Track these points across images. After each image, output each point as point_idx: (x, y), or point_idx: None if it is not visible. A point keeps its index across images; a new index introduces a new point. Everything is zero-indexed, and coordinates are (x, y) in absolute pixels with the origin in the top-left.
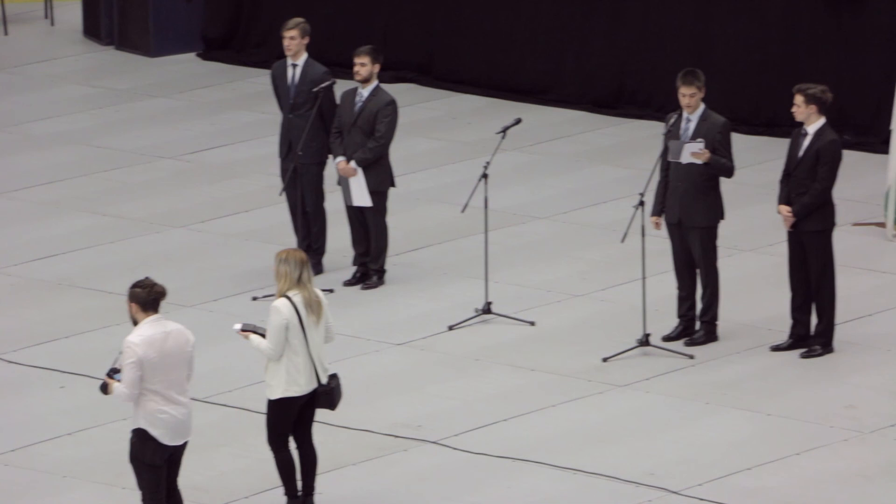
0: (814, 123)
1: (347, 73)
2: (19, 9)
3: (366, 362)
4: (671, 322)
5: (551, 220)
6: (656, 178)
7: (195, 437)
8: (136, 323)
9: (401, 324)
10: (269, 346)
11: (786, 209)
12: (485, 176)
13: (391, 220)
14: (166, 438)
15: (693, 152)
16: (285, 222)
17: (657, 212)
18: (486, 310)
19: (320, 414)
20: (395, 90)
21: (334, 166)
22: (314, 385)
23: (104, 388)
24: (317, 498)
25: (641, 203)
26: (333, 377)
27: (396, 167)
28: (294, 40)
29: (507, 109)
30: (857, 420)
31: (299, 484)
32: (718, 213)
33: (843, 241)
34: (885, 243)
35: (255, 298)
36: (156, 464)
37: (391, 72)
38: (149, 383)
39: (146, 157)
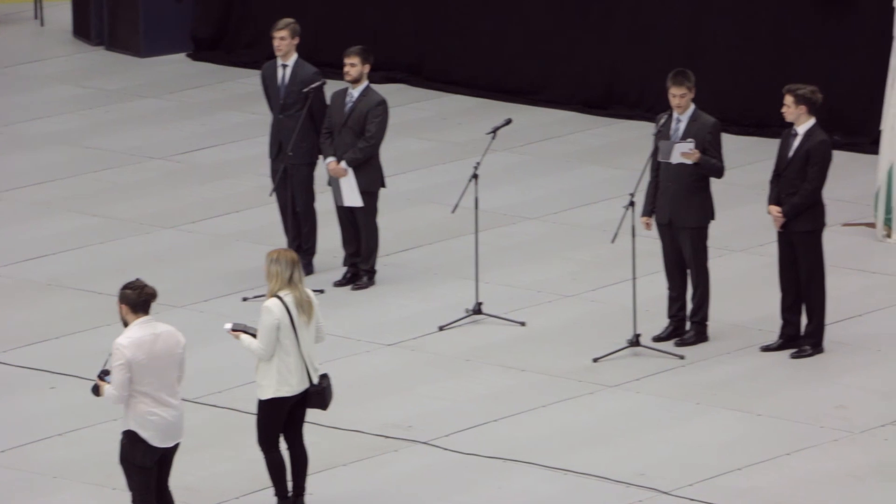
0: (804, 124)
1: (338, 73)
2: (8, 9)
3: (356, 363)
4: (661, 322)
5: (542, 220)
6: (646, 178)
7: (186, 438)
8: (126, 324)
9: (391, 324)
10: (259, 345)
11: (776, 209)
12: (475, 176)
13: (381, 220)
14: (156, 440)
15: (683, 152)
16: (276, 223)
17: (647, 212)
18: (477, 310)
19: (311, 414)
20: (385, 91)
21: (325, 167)
22: (305, 385)
23: (95, 390)
24: (307, 498)
25: (632, 203)
26: (324, 377)
27: (387, 168)
28: (284, 41)
29: (497, 110)
30: (847, 420)
31: (290, 485)
32: (709, 214)
33: (833, 242)
34: (875, 243)
35: (245, 299)
36: (146, 465)
37: (381, 72)
38: (138, 385)
39: (136, 158)
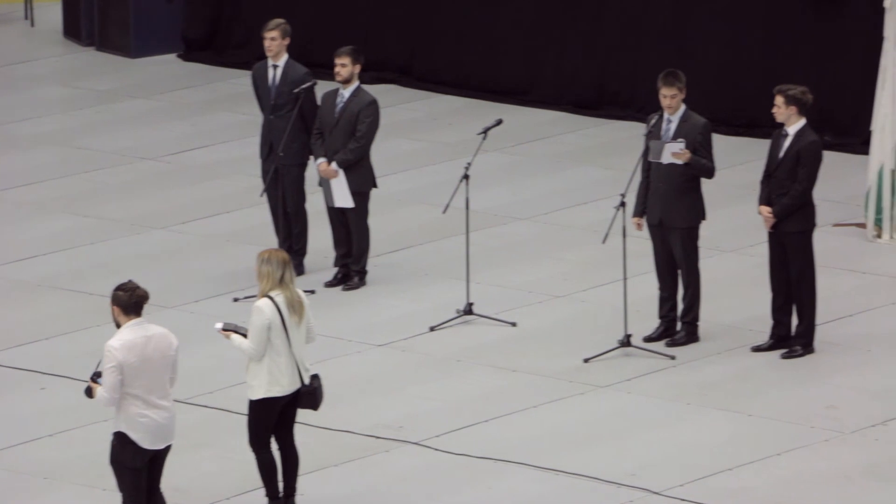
0: (794, 124)
1: (328, 74)
2: None
3: (347, 363)
4: (652, 323)
5: (533, 220)
6: (637, 178)
7: (176, 439)
8: (119, 326)
9: (382, 325)
10: (250, 345)
11: (766, 210)
12: (466, 177)
13: (372, 221)
14: (146, 442)
15: (674, 153)
16: (266, 223)
17: (639, 212)
18: (468, 311)
19: (301, 415)
20: (376, 91)
21: (315, 167)
22: (297, 385)
23: (88, 392)
24: (298, 499)
25: (622, 204)
26: (315, 378)
27: (377, 168)
28: (275, 41)
29: (488, 110)
30: (837, 420)
31: (281, 485)
32: (700, 214)
33: (824, 242)
34: (866, 244)
35: (236, 300)
36: (136, 467)
37: (372, 73)
38: (129, 387)
39: (127, 159)
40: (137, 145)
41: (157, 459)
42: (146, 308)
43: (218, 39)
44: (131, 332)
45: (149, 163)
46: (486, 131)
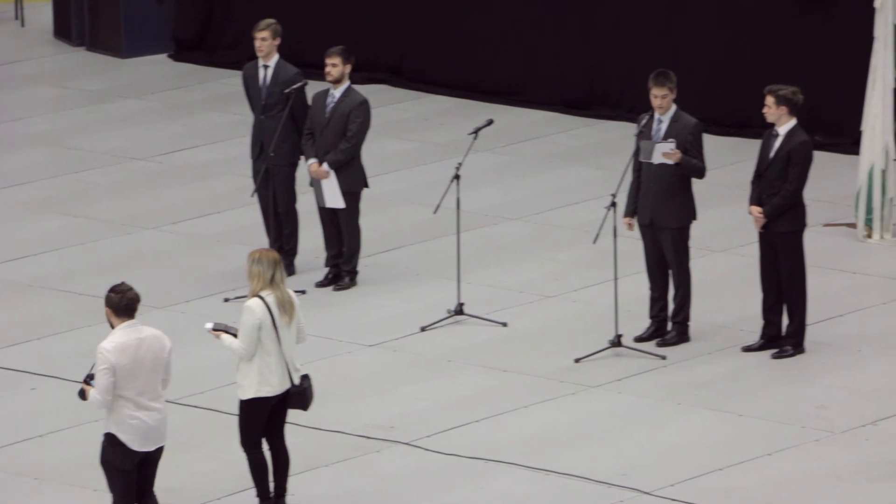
0: (785, 124)
1: (319, 74)
2: None
3: (338, 363)
4: (643, 323)
5: (523, 221)
6: (628, 178)
7: (168, 440)
8: (113, 327)
9: (373, 325)
10: (241, 345)
11: (757, 210)
12: (457, 177)
13: (363, 221)
14: (135, 444)
15: (664, 153)
16: (257, 223)
17: (630, 212)
18: (459, 311)
19: (292, 415)
20: (366, 91)
21: (306, 168)
22: (287, 385)
23: (82, 395)
24: (289, 499)
25: (613, 204)
26: (305, 378)
27: (368, 169)
28: (265, 41)
29: (478, 110)
30: (828, 420)
31: (272, 485)
32: (690, 214)
33: (815, 242)
34: (856, 244)
35: (227, 300)
36: (125, 468)
37: (363, 73)
38: (121, 389)
39: (117, 159)
40: (128, 145)
41: (149, 461)
42: (139, 308)
43: (208, 40)
44: (124, 334)
45: (140, 163)
46: (476, 131)
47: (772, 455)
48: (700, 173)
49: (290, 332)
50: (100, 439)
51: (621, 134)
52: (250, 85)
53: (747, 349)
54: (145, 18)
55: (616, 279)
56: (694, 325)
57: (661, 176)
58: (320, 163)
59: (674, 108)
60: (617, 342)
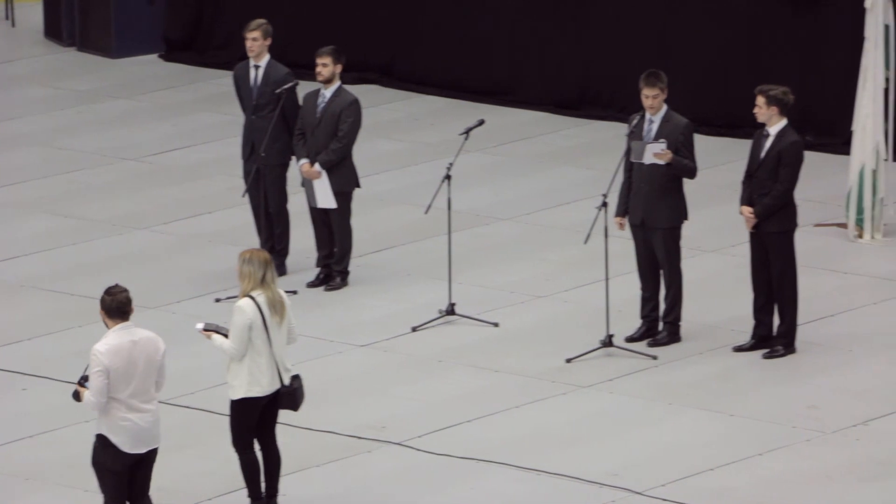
0: (775, 125)
1: (310, 74)
2: None
3: (329, 364)
4: (634, 323)
5: (515, 221)
6: (619, 178)
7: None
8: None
9: (364, 325)
10: (231, 345)
11: (748, 210)
12: (448, 177)
13: (355, 221)
14: (126, 446)
15: (655, 153)
16: (248, 224)
17: (621, 212)
18: (450, 311)
19: (284, 415)
20: (357, 91)
21: (297, 168)
22: (276, 386)
23: (76, 396)
24: (280, 499)
25: (604, 204)
26: (296, 378)
27: (359, 169)
28: (256, 41)
29: (469, 111)
30: (819, 420)
31: (263, 486)
32: (682, 214)
33: (805, 242)
34: (847, 244)
35: (218, 300)
36: (116, 470)
37: (354, 73)
38: (114, 392)
39: (108, 159)
40: (119, 146)
41: (142, 464)
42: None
43: (199, 40)
44: (117, 336)
45: (130, 163)
46: (468, 132)
47: (763, 455)
48: (691, 173)
49: (280, 332)
50: (91, 440)
51: (612, 134)
52: (241, 85)
53: (738, 349)
54: (136, 19)
55: (607, 279)
56: (685, 325)
57: (653, 176)
58: (312, 163)
59: (665, 108)
60: (608, 342)
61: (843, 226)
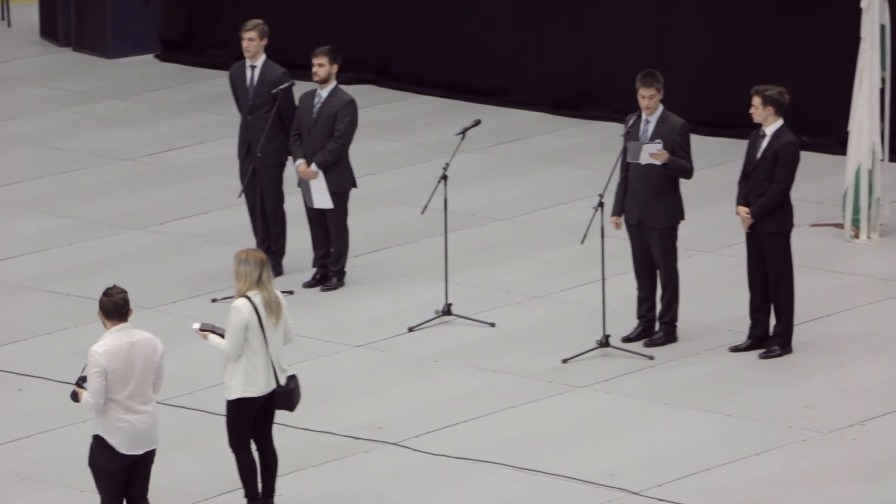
0: (772, 125)
1: (306, 74)
2: None
3: (326, 364)
4: (631, 323)
5: (511, 221)
6: (616, 178)
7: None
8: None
9: (361, 325)
10: (228, 345)
11: (744, 210)
12: (444, 177)
13: (351, 221)
14: (123, 447)
15: (652, 153)
16: (245, 224)
17: (617, 211)
18: (447, 311)
19: (280, 416)
20: (353, 91)
21: (294, 168)
22: (273, 386)
23: (74, 397)
24: (277, 500)
25: (601, 204)
26: (292, 378)
27: (356, 169)
28: (253, 42)
29: (466, 111)
30: (816, 420)
31: (260, 486)
32: (678, 214)
33: (802, 242)
34: (843, 244)
35: (214, 300)
36: (112, 471)
37: (350, 73)
38: (111, 393)
39: (104, 159)
40: (115, 146)
41: (139, 465)
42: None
43: (195, 40)
44: (115, 337)
45: (126, 163)
46: (464, 132)
47: (759, 455)
48: (687, 174)
49: (276, 332)
50: (87, 440)
51: (608, 134)
52: (237, 85)
53: (735, 349)
54: (132, 19)
55: (604, 279)
56: (681, 326)
57: (649, 176)
58: (308, 163)
59: (661, 108)
60: (605, 342)
61: (840, 226)
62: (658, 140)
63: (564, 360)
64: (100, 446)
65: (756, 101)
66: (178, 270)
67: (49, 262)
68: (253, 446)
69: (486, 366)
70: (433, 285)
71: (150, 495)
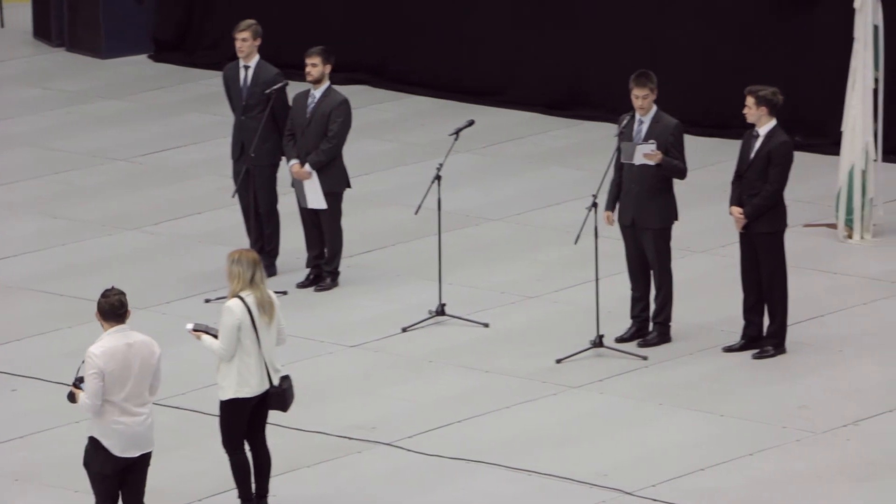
0: (765, 125)
1: (300, 74)
2: None
3: (320, 364)
4: (625, 323)
5: (505, 221)
6: (609, 178)
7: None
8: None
9: (354, 326)
10: (221, 346)
11: (737, 211)
12: (438, 178)
13: (345, 221)
14: (117, 450)
15: (645, 154)
16: (238, 224)
17: (610, 207)
18: (440, 311)
19: (274, 416)
20: (347, 92)
21: (288, 168)
22: (266, 386)
23: (71, 398)
24: (270, 500)
25: (594, 205)
26: (285, 379)
27: (349, 169)
28: (246, 42)
29: (459, 111)
30: (809, 420)
31: (254, 487)
32: (672, 215)
33: (795, 243)
34: (837, 244)
35: (208, 300)
36: (106, 473)
37: (343, 73)
38: (108, 395)
39: (98, 160)
40: (108, 146)
41: (135, 468)
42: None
43: (189, 40)
44: (113, 339)
45: (120, 164)
46: (457, 132)
47: (753, 455)
48: (681, 174)
49: (269, 332)
50: (81, 441)
51: (602, 134)
52: (231, 86)
53: (728, 349)
54: (125, 19)
55: (597, 280)
56: (675, 326)
57: (643, 177)
58: (302, 163)
59: (654, 108)
60: (598, 343)
61: (833, 226)
62: (652, 140)
63: (558, 361)
64: (95, 448)
65: (749, 101)
66: (171, 271)
67: (43, 262)
68: (246, 447)
69: (479, 366)
70: (427, 285)
71: (146, 495)
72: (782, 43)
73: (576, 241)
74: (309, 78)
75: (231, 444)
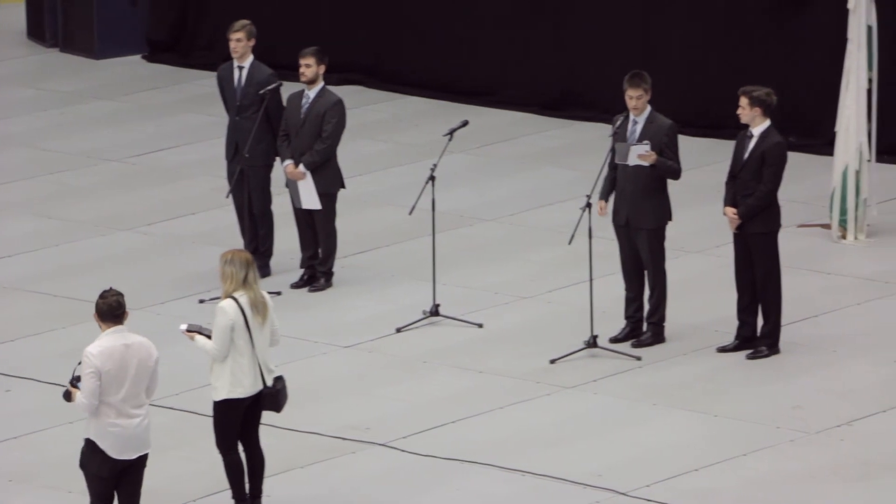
0: (759, 125)
1: (294, 75)
2: None
3: (314, 365)
4: (619, 323)
5: (499, 222)
6: (603, 180)
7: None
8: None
9: (349, 326)
10: (214, 346)
11: (731, 211)
12: (432, 178)
13: (339, 222)
14: (114, 451)
15: (640, 154)
16: (232, 225)
17: (604, 197)
18: (434, 312)
19: (268, 417)
20: (341, 92)
21: (282, 169)
22: (259, 387)
23: (67, 396)
24: (264, 500)
25: (588, 205)
26: (279, 379)
27: (343, 170)
28: (240, 42)
29: (453, 111)
30: (803, 420)
31: (247, 487)
32: (666, 215)
33: (789, 243)
34: (831, 245)
35: (202, 301)
36: (102, 475)
37: (338, 74)
38: (105, 395)
39: (92, 160)
40: (102, 147)
41: (131, 469)
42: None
43: (183, 41)
44: (110, 339)
45: (114, 164)
46: (451, 132)
47: (747, 455)
48: (675, 174)
49: (263, 333)
50: (76, 441)
51: (596, 135)
52: (225, 86)
53: (722, 350)
54: (118, 19)
55: (591, 280)
56: (669, 326)
57: (637, 177)
58: (296, 164)
59: (649, 109)
60: (592, 343)
61: (827, 226)
62: (646, 141)
63: (552, 361)
64: (91, 450)
65: (743, 101)
66: (165, 271)
67: (37, 262)
68: (240, 447)
69: (473, 366)
70: (421, 286)
71: (142, 496)
72: (776, 43)
73: (570, 242)
74: (303, 78)
75: (225, 444)
